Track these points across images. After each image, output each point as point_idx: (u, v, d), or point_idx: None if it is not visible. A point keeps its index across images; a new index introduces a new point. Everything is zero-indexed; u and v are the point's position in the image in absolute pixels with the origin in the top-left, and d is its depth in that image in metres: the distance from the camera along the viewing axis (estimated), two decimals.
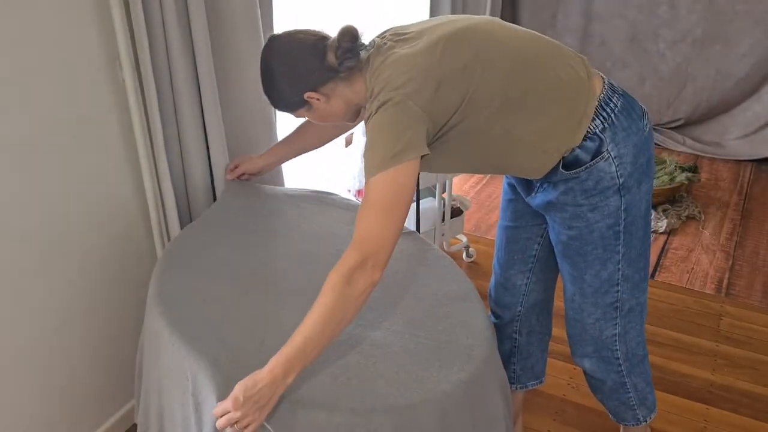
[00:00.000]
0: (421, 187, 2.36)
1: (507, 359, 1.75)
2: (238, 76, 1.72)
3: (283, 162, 1.78)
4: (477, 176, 3.56)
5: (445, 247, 2.69)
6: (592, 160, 1.28)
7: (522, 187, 1.48)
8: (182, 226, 1.75)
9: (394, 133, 1.18)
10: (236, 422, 1.04)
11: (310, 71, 1.29)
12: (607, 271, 1.39)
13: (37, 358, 1.54)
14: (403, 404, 1.16)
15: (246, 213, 1.67)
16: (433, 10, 2.96)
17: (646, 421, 1.64)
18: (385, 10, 3.09)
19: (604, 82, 1.33)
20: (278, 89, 1.33)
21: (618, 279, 1.40)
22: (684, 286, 2.62)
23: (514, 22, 4.23)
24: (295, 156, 1.73)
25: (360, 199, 2.79)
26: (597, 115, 1.28)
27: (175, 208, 1.69)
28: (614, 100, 1.31)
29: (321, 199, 1.78)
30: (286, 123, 2.43)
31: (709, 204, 3.34)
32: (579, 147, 1.28)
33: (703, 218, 3.18)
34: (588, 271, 1.40)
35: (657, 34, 3.93)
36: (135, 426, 1.51)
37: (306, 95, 1.31)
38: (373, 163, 1.17)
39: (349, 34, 1.27)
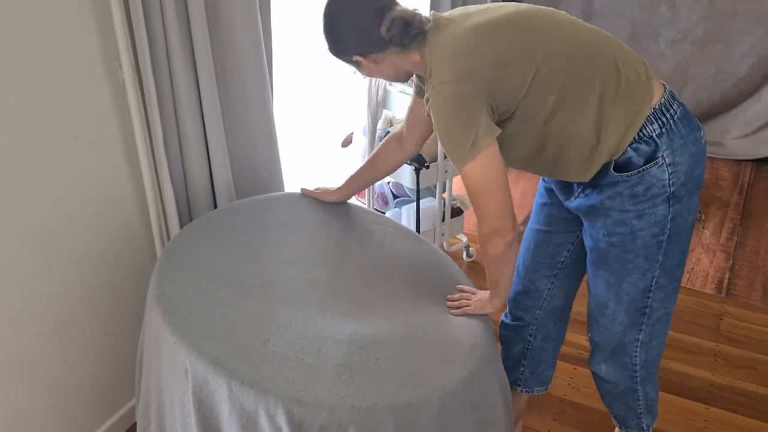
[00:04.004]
0: (421, 187, 2.36)
1: (517, 361, 1.73)
2: (237, 76, 1.72)
3: (355, 194, 1.80)
4: None
5: (445, 246, 2.69)
6: (645, 164, 1.25)
7: (560, 189, 1.46)
8: (182, 225, 1.75)
9: (463, 123, 1.21)
10: (463, 305, 1.46)
11: (364, 35, 1.30)
12: (645, 280, 1.36)
13: (36, 357, 1.54)
14: (404, 402, 1.16)
15: (246, 213, 1.67)
16: (434, 8, 2.95)
17: (649, 429, 1.63)
18: None
19: (665, 88, 1.31)
20: (334, 38, 1.34)
21: (652, 286, 1.37)
22: (684, 286, 2.62)
23: None
24: (366, 186, 1.84)
25: (360, 200, 2.80)
26: (656, 119, 1.25)
27: (174, 208, 1.69)
28: (674, 107, 1.28)
29: (323, 201, 1.78)
30: (285, 122, 2.43)
31: (709, 204, 3.34)
32: (633, 149, 1.25)
33: (703, 218, 3.18)
34: (626, 279, 1.37)
35: (657, 33, 3.93)
36: (135, 425, 1.51)
37: (354, 57, 1.33)
38: (456, 157, 1.25)
39: (400, 21, 1.26)
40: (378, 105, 2.41)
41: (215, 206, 1.80)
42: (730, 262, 2.81)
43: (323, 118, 2.95)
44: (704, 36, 3.83)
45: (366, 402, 1.14)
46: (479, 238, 1.35)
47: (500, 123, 1.27)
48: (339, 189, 1.74)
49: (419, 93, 1.50)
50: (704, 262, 2.80)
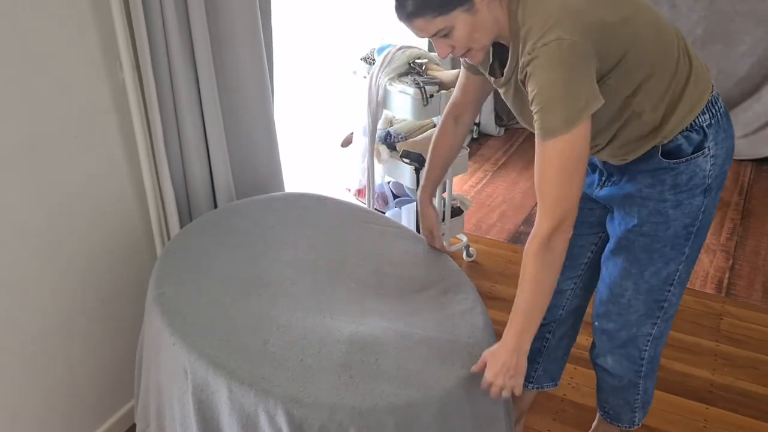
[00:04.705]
0: None
1: (532, 359, 1.71)
2: (237, 75, 1.72)
3: (438, 185, 1.66)
4: (477, 176, 3.56)
5: (445, 246, 2.69)
6: (693, 153, 1.27)
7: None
8: (182, 225, 1.75)
9: (579, 83, 1.11)
10: (500, 390, 1.23)
11: None
12: (668, 270, 1.36)
13: (36, 357, 1.54)
14: (404, 402, 1.16)
15: (246, 213, 1.67)
16: None
17: (638, 424, 1.63)
18: (384, 8, 3.09)
19: (712, 84, 1.32)
20: None
21: (674, 280, 1.37)
22: None
23: None
24: (445, 173, 1.64)
25: (360, 200, 2.79)
26: (708, 109, 1.27)
27: (175, 207, 1.69)
28: (720, 101, 1.30)
29: (323, 201, 1.78)
30: (285, 122, 2.43)
31: None
32: (684, 137, 1.26)
33: None
34: (649, 268, 1.37)
35: None
36: (134, 426, 1.51)
37: None
38: (558, 122, 1.11)
39: None
40: (378, 105, 2.41)
41: (215, 206, 1.80)
42: (731, 261, 2.81)
43: (323, 118, 2.95)
44: (704, 36, 3.82)
45: (366, 402, 1.14)
46: (539, 243, 1.17)
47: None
48: (424, 189, 1.61)
49: (472, 69, 1.41)
50: (704, 262, 2.80)
